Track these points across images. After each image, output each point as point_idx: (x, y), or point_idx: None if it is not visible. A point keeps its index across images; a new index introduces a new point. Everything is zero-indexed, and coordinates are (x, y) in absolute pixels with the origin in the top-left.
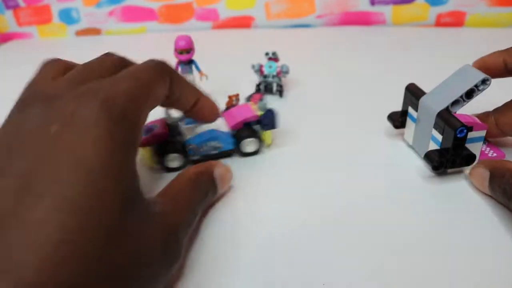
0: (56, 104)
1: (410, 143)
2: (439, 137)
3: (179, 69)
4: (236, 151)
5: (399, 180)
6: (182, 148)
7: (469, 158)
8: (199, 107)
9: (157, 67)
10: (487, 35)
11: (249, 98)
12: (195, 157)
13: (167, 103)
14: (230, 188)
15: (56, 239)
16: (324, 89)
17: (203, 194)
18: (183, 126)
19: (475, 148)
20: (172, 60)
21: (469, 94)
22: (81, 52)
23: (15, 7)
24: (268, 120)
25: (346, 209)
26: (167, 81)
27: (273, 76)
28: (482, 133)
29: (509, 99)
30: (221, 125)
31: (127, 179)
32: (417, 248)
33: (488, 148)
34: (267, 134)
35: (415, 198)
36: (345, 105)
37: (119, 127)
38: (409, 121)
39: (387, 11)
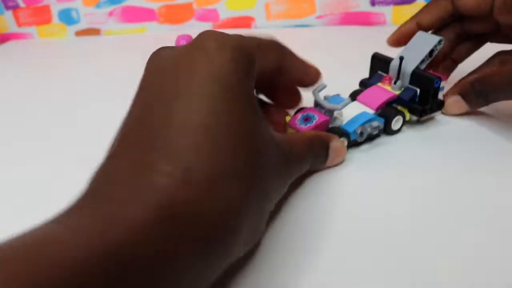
0: (179, 47)
1: None
2: (416, 90)
3: None
4: (383, 130)
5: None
6: (345, 133)
7: (441, 104)
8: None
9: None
10: None
11: (369, 83)
12: (361, 139)
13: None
14: (342, 162)
15: (204, 133)
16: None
17: (314, 155)
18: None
19: (440, 95)
20: None
21: (431, 53)
22: (81, 53)
23: (15, 8)
24: (411, 97)
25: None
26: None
27: None
28: (444, 83)
29: None
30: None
31: (250, 95)
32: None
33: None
34: (407, 111)
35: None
36: None
37: (239, 55)
38: None
39: (388, 11)
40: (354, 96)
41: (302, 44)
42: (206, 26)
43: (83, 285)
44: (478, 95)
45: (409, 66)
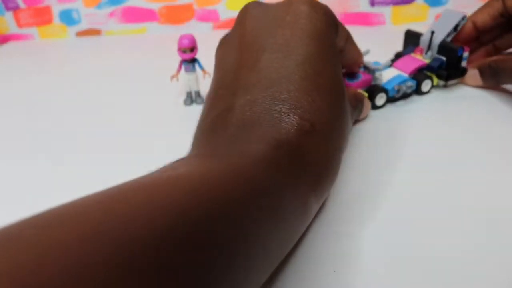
0: (280, 6)
1: None
2: (443, 59)
3: (183, 67)
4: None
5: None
6: (385, 89)
7: (464, 70)
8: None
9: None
10: None
11: (396, 58)
12: (397, 95)
13: None
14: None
15: (320, 94)
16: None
17: (357, 107)
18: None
19: (463, 64)
20: (173, 59)
21: (456, 28)
22: (82, 53)
23: (15, 9)
24: (438, 65)
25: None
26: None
27: None
28: (467, 53)
29: None
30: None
31: (338, 54)
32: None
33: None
34: (435, 77)
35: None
36: None
37: (330, 20)
38: None
39: (387, 11)
40: (390, 63)
41: None
42: (207, 26)
43: (229, 206)
44: (492, 74)
45: (437, 39)
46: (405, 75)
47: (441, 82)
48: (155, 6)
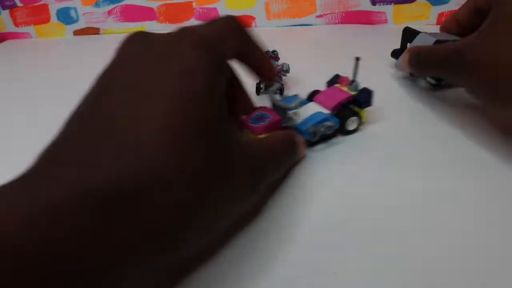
0: (156, 41)
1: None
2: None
3: None
4: (338, 130)
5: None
6: (298, 132)
7: None
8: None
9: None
10: None
11: (331, 83)
12: (314, 139)
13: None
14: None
15: (161, 126)
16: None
17: (291, 151)
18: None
19: None
20: None
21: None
22: (80, 52)
23: (12, 7)
24: (365, 98)
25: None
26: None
27: None
28: None
29: None
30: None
31: (215, 95)
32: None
33: None
34: (364, 112)
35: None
36: None
37: (209, 56)
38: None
39: (388, 10)
40: (311, 96)
41: (303, 44)
42: None
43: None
44: (417, 62)
45: (434, 37)
46: (326, 112)
47: (433, 81)
48: (154, 5)
